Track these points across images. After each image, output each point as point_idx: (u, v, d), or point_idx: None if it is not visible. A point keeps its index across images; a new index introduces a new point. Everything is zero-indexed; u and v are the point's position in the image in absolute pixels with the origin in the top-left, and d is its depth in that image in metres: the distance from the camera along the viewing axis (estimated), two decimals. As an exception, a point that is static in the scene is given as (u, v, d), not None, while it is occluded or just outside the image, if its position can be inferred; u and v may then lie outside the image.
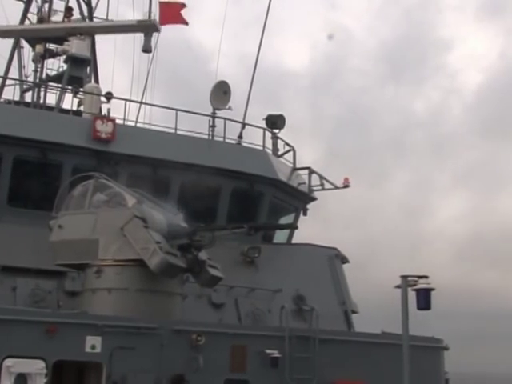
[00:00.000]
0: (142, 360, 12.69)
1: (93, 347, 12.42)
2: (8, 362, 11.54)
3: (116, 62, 24.57)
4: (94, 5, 24.35)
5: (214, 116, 19.85)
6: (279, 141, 21.23)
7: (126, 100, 19.42)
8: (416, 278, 11.46)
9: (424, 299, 11.44)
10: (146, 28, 23.07)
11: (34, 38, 23.58)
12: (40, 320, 12.26)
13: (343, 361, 14.25)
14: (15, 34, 23.33)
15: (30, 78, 24.07)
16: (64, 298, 15.66)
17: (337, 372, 14.00)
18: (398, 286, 11.67)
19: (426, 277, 11.46)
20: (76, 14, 23.73)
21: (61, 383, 12.86)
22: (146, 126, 19.81)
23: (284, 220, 20.92)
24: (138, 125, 20.25)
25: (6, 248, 15.85)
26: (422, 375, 13.87)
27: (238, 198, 18.98)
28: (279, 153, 21.18)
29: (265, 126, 20.76)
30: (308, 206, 21.07)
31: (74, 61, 21.90)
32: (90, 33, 22.61)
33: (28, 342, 11.96)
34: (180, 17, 23.18)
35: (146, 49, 23.68)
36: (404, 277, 11.50)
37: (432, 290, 11.48)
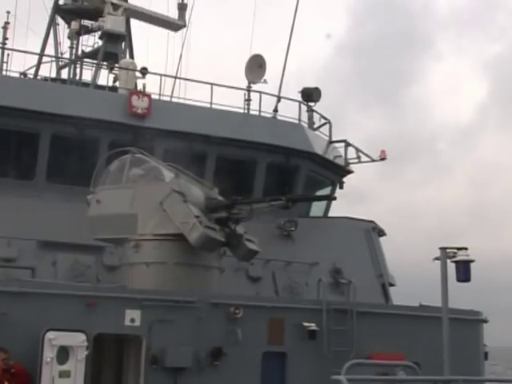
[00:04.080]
0: (180, 333, 12.81)
1: (132, 320, 12.55)
2: (50, 334, 11.70)
3: (150, 38, 24.51)
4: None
5: (249, 90, 19.77)
6: (315, 114, 21.08)
7: (161, 75, 19.44)
8: (455, 250, 11.34)
9: (463, 271, 11.34)
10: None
11: (69, 14, 23.63)
12: (80, 294, 12.42)
13: (381, 334, 14.22)
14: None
15: (66, 55, 24.19)
16: (103, 273, 15.86)
17: (374, 345, 13.98)
18: (437, 258, 11.57)
19: (466, 248, 11.34)
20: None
21: (101, 356, 13.05)
22: (182, 101, 19.80)
23: (320, 194, 20.82)
24: (174, 100, 20.24)
25: (45, 224, 16.06)
26: (461, 348, 13.80)
27: (274, 172, 18.96)
28: (315, 126, 21.05)
29: (300, 99, 20.63)
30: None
31: (109, 37, 21.93)
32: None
33: (69, 316, 12.14)
34: None
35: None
36: (443, 248, 11.39)
37: (472, 261, 11.37)
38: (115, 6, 21.94)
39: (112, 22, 21.97)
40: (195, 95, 19.59)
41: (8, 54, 19.67)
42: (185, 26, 23.54)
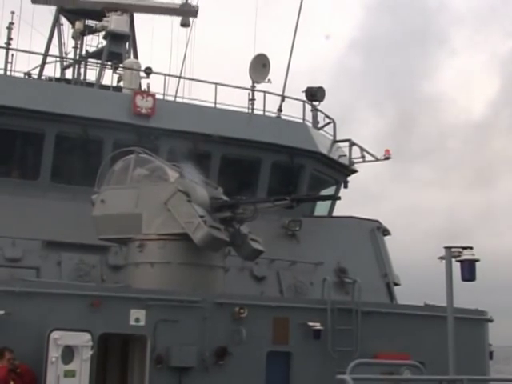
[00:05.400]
0: (185, 333, 12.81)
1: (137, 320, 12.56)
2: (55, 334, 11.72)
3: (155, 37, 24.55)
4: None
5: (253, 89, 19.78)
6: (319, 113, 21.07)
7: (165, 75, 19.45)
8: (460, 249, 11.32)
9: (468, 270, 11.31)
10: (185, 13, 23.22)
11: (73, 14, 23.66)
12: (85, 294, 12.43)
13: (385, 333, 14.20)
14: (53, 2, 23.32)
15: (70, 55, 24.21)
16: (107, 272, 15.88)
17: (379, 344, 13.96)
18: (441, 258, 11.54)
19: (471, 247, 11.31)
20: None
21: (106, 355, 13.06)
22: (186, 101, 19.81)
23: (325, 193, 20.81)
24: (178, 99, 20.25)
25: (50, 223, 16.09)
26: (466, 347, 13.78)
27: (279, 172, 18.95)
28: (319, 125, 21.04)
29: (304, 98, 20.63)
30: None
31: (113, 37, 21.96)
32: (127, 10, 22.61)
33: (74, 316, 12.14)
34: None
35: (185, 23, 23.67)
36: (448, 248, 11.37)
37: (477, 260, 11.34)
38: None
39: (116, 22, 22.00)
40: (199, 95, 19.62)
41: (12, 55, 19.63)
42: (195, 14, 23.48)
